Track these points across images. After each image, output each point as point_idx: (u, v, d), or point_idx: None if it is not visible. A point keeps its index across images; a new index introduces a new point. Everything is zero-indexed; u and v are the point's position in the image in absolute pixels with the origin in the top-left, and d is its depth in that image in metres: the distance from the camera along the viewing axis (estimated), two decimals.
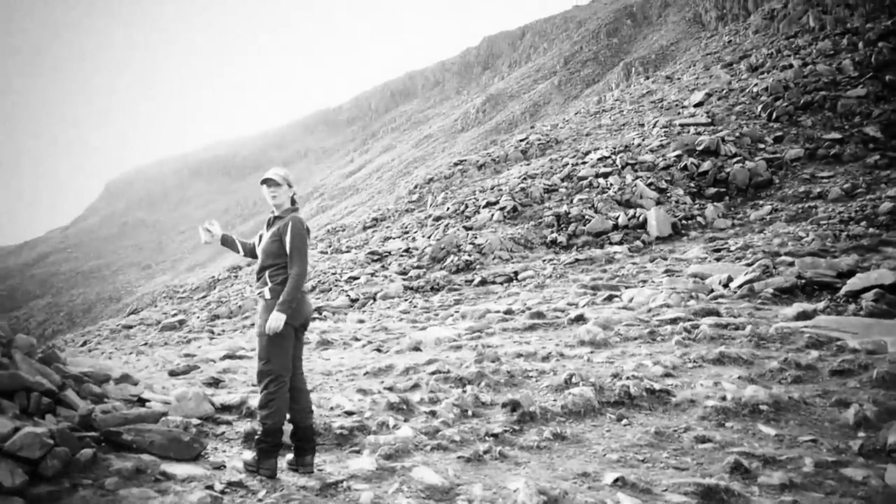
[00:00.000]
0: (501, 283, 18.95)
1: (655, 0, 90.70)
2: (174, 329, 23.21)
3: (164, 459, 4.42)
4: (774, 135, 26.87)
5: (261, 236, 4.69)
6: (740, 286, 12.19)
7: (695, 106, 34.24)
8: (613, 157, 28.95)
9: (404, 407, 5.97)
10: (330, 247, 32.81)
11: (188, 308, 29.86)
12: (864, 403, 5.30)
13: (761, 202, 22.46)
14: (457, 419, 5.71)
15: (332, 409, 5.98)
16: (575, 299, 13.46)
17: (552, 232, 23.60)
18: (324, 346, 11.12)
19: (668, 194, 24.49)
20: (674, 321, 9.54)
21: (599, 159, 29.28)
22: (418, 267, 22.97)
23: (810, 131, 26.12)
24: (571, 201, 25.70)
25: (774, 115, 28.34)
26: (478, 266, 21.50)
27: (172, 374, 8.32)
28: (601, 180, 26.81)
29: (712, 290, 12.51)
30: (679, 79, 47.55)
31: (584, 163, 29.92)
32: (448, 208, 30.52)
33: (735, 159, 25.12)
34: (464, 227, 26.30)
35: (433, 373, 7.34)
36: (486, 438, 5.20)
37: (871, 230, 16.85)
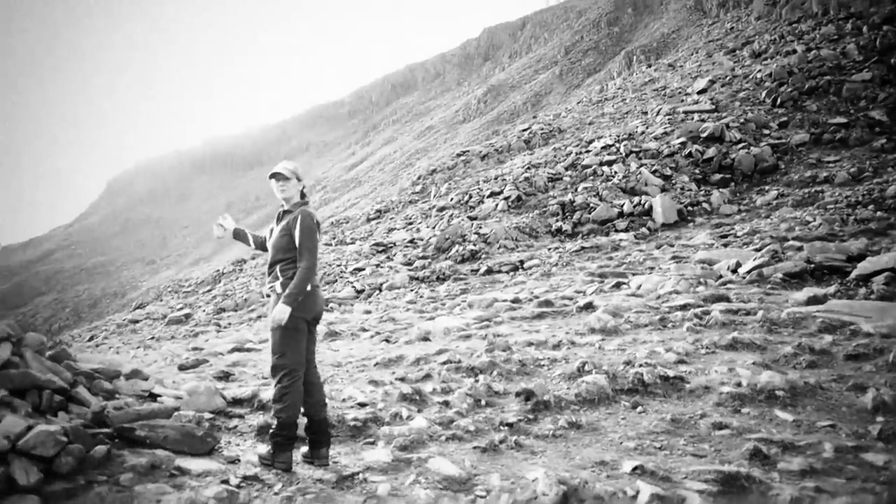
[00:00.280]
0: (507, 272, 18.91)
1: None
2: (180, 323, 23.23)
3: (178, 454, 4.39)
4: (779, 120, 26.74)
5: (272, 230, 4.65)
6: (749, 271, 12.12)
7: (698, 93, 34.08)
8: (617, 145, 28.84)
9: (417, 398, 5.94)
10: (334, 239, 32.79)
11: (194, 302, 29.89)
12: (880, 388, 5.25)
13: (767, 187, 22.37)
14: (470, 409, 5.67)
15: (344, 400, 5.95)
16: (582, 287, 13.41)
17: (557, 220, 23.53)
18: (332, 337, 11.09)
19: (673, 181, 24.40)
20: (684, 307, 9.49)
21: (603, 147, 29.18)
22: (423, 257, 22.94)
23: (815, 116, 25.99)
24: (576, 190, 25.62)
25: (779, 100, 28.19)
26: (483, 255, 21.47)
27: (182, 368, 8.29)
28: (605, 168, 26.72)
29: (721, 276, 12.45)
30: (681, 66, 47.34)
31: (587, 151, 29.82)
32: (452, 199, 30.47)
33: (740, 145, 25.00)
34: (468, 217, 26.25)
35: (444, 363, 7.30)
36: (501, 428, 5.16)
37: (878, 214, 16.75)
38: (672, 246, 18.02)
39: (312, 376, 4.56)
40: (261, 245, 4.80)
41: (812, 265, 11.60)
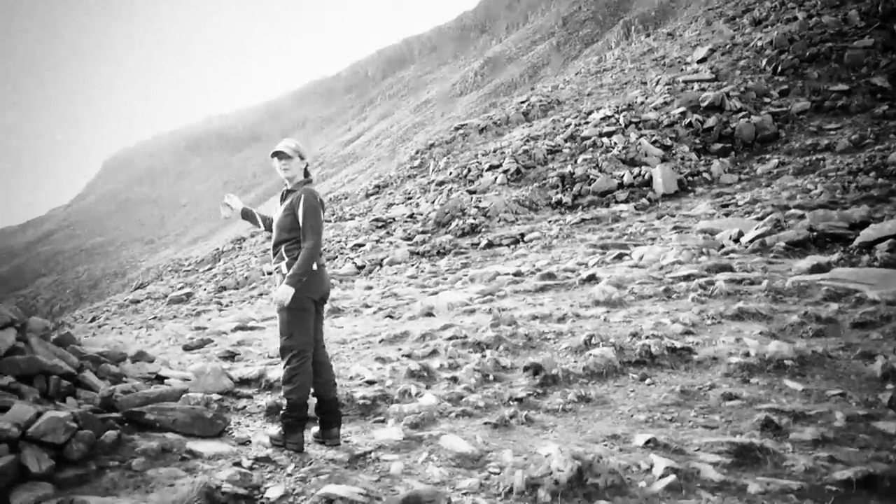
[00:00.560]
0: (508, 246, 18.88)
1: None
2: (182, 302, 23.25)
3: (188, 437, 4.38)
4: (780, 88, 26.50)
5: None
6: (751, 241, 12.09)
7: (698, 62, 33.76)
8: (616, 115, 28.64)
9: (425, 374, 5.93)
10: (333, 215, 32.71)
11: (194, 281, 29.91)
12: (888, 355, 5.24)
13: (768, 156, 22.24)
14: (479, 384, 5.67)
15: (351, 378, 5.94)
16: (584, 259, 13.39)
17: (557, 193, 23.45)
18: (335, 313, 11.09)
19: (673, 151, 24.26)
20: (687, 278, 9.46)
21: (602, 119, 28.97)
22: (423, 232, 22.90)
23: (816, 83, 25.75)
24: (575, 161, 25.48)
25: (780, 68, 27.92)
26: (483, 229, 21.42)
27: (187, 348, 8.28)
28: (605, 139, 26.55)
29: (723, 246, 12.41)
30: (681, 35, 46.86)
31: (586, 123, 29.62)
32: (451, 173, 30.34)
33: (740, 114, 24.81)
34: (467, 190, 26.14)
35: (450, 338, 7.28)
36: (511, 403, 5.15)
37: (880, 180, 16.65)
38: (673, 216, 17.96)
39: (321, 356, 4.53)
40: (269, 226, 4.72)
41: (815, 233, 11.55)
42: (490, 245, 19.23)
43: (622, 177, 22.67)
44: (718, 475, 3.56)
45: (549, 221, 20.70)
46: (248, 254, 32.00)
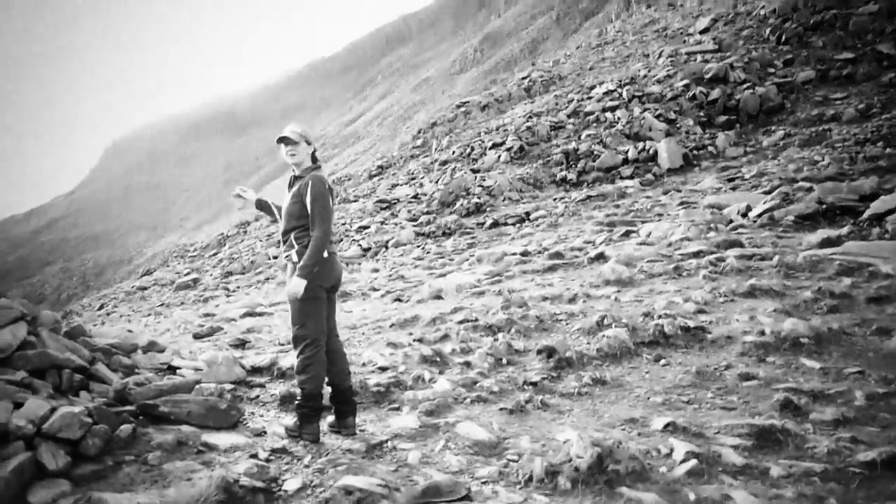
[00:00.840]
0: (514, 224, 18.80)
1: None
2: (189, 288, 23.30)
3: (203, 429, 4.36)
4: (784, 58, 26.22)
5: None
6: (760, 215, 12.00)
7: (700, 32, 33.39)
8: (619, 90, 28.38)
9: (438, 359, 5.89)
10: (337, 197, 32.60)
11: (200, 266, 29.95)
12: None
13: (773, 128, 22.04)
14: (492, 369, 5.64)
15: (364, 364, 5.91)
16: (591, 237, 13.31)
17: (561, 170, 23.31)
18: (343, 297, 11.07)
19: (678, 125, 24.06)
20: (697, 255, 9.40)
21: (605, 93, 28.72)
22: (428, 212, 22.80)
23: (821, 52, 25.45)
24: (579, 137, 25.29)
25: (784, 37, 27.59)
26: (488, 208, 21.33)
27: (197, 336, 8.27)
28: (608, 114, 26.34)
29: (731, 221, 12.33)
30: (682, 5, 46.32)
31: (589, 98, 29.36)
32: (453, 152, 30.17)
33: (745, 85, 24.57)
34: (471, 169, 26.00)
35: (461, 321, 7.24)
36: (525, 387, 5.11)
37: (888, 150, 16.49)
38: (679, 191, 17.84)
39: (335, 344, 4.48)
40: None
41: (824, 206, 11.45)
42: (496, 224, 19.15)
43: (627, 152, 22.50)
44: (740, 459, 3.53)
45: (555, 199, 20.60)
46: (254, 238, 31.99)
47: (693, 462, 3.47)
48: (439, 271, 12.94)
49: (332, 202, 4.33)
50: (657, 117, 24.60)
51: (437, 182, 26.54)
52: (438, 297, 9.53)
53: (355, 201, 29.61)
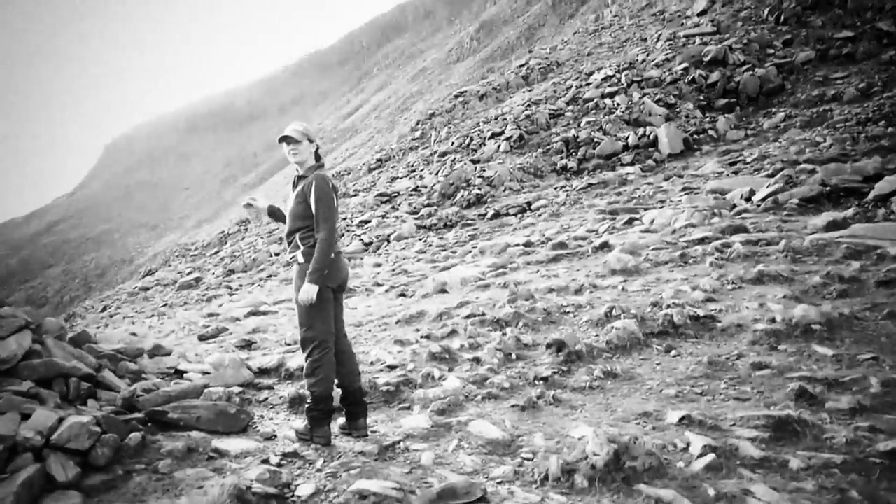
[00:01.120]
0: (515, 215, 18.74)
1: None
2: (191, 287, 23.26)
3: (213, 434, 4.33)
4: (783, 38, 26.04)
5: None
6: (764, 199, 11.93)
7: (698, 15, 33.18)
8: (618, 75, 28.24)
9: (446, 356, 5.85)
10: (337, 191, 32.52)
11: (202, 265, 29.92)
12: None
13: (774, 110, 21.92)
14: (502, 364, 5.59)
15: (372, 363, 5.87)
16: (594, 226, 13.26)
17: (562, 158, 23.22)
18: (346, 293, 10.99)
19: (678, 109, 23.95)
20: (702, 241, 9.35)
21: (604, 79, 28.58)
22: (429, 205, 22.74)
23: (821, 31, 25.27)
24: (579, 125, 25.19)
25: (782, 17, 27.41)
26: (489, 199, 21.26)
27: (202, 338, 8.24)
28: (607, 100, 26.22)
29: (735, 206, 12.26)
30: None
31: (588, 84, 29.23)
32: (453, 143, 30.05)
33: (744, 67, 24.44)
34: (471, 160, 25.91)
35: (468, 316, 7.20)
36: (536, 383, 5.07)
37: (890, 129, 16.40)
38: (681, 177, 17.76)
39: (343, 345, 4.42)
40: None
41: (827, 188, 11.39)
42: (497, 215, 19.09)
43: (627, 138, 22.40)
44: (758, 451, 3.48)
45: (556, 188, 20.52)
46: (255, 235, 31.91)
47: (711, 456, 3.42)
48: (442, 264, 12.90)
49: (336, 202, 4.27)
50: (657, 102, 24.49)
51: (437, 174, 26.45)
52: (443, 292, 9.49)
53: (355, 195, 29.54)
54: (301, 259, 4.23)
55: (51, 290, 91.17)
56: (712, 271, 7.58)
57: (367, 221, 23.17)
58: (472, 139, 28.83)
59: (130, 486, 3.58)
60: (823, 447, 3.48)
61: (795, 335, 5.22)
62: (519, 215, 18.52)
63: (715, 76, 24.66)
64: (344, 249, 19.63)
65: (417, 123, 41.80)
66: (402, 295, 10.22)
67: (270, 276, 19.71)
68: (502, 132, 27.32)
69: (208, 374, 5.69)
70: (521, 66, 42.58)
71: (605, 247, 10.39)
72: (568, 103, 27.92)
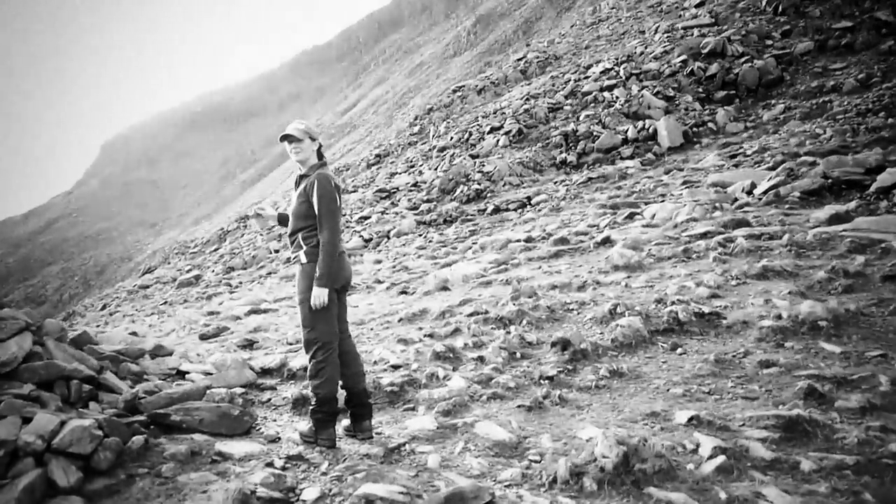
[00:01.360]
0: (515, 210, 18.68)
1: None
2: (191, 285, 23.19)
3: (216, 437, 4.29)
4: (782, 29, 25.93)
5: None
6: (765, 192, 11.88)
7: (696, 6, 33.03)
8: (616, 68, 28.14)
9: (450, 355, 5.80)
10: (340, 190, 32.44)
11: (202, 262, 29.85)
12: None
13: (773, 101, 21.84)
14: (506, 363, 5.54)
15: (376, 363, 5.83)
16: (595, 220, 13.20)
17: (561, 152, 23.14)
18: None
19: (677, 102, 23.86)
20: (704, 235, 9.30)
21: (602, 72, 28.47)
22: (428, 200, 22.66)
23: (819, 22, 25.16)
24: (578, 118, 25.11)
25: (780, 7, 27.29)
26: (489, 194, 21.19)
27: (203, 337, 8.19)
28: (606, 94, 26.13)
29: (736, 199, 12.21)
30: None
31: (586, 77, 29.13)
32: (451, 138, 29.96)
33: (743, 59, 24.33)
34: (470, 155, 25.83)
35: (471, 314, 7.15)
36: (542, 382, 5.02)
37: (890, 120, 16.34)
38: (681, 170, 17.69)
39: (347, 345, 4.37)
40: None
41: (829, 181, 11.34)
42: (497, 210, 19.03)
43: (626, 132, 22.32)
44: (768, 453, 3.43)
45: (555, 182, 20.46)
46: (254, 232, 31.84)
47: (721, 458, 3.37)
48: (443, 261, 12.85)
49: (339, 200, 4.22)
50: (656, 94, 24.41)
51: (436, 169, 26.36)
52: (445, 289, 9.44)
53: (354, 191, 29.46)
54: (304, 259, 4.19)
55: (50, 288, 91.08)
56: (716, 266, 7.53)
57: (366, 217, 23.10)
58: (470, 134, 28.74)
59: (133, 490, 3.54)
60: (835, 448, 3.44)
61: (802, 332, 5.17)
62: (519, 210, 18.46)
63: (714, 68, 24.55)
64: (344, 246, 19.57)
65: (416, 119, 41.71)
66: (404, 292, 10.18)
67: (270, 273, 19.65)
68: (501, 127, 27.23)
69: (210, 374, 5.65)
70: (519, 59, 42.46)
71: (606, 242, 10.34)
72: (566, 97, 27.81)
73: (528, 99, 29.55)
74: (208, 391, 5.00)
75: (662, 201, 13.67)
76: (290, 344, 6.97)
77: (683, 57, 26.18)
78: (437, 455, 3.90)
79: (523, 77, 38.26)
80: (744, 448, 3.48)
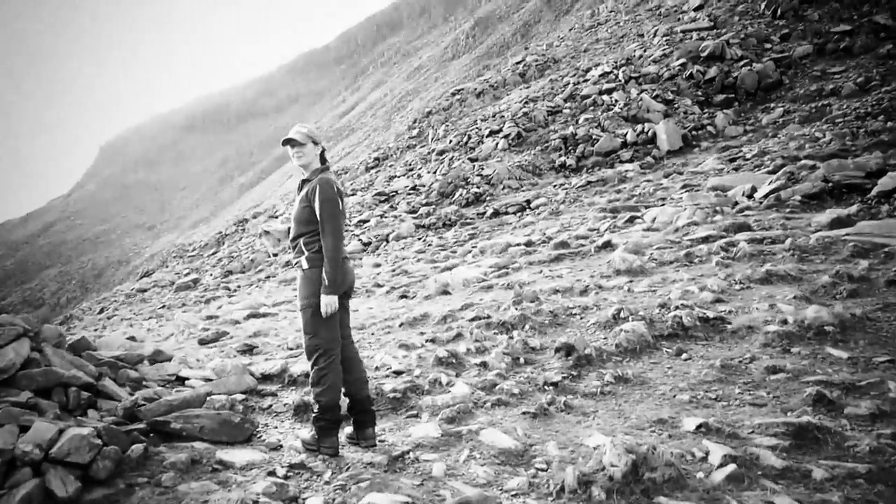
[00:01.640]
0: (515, 213, 18.63)
1: None
2: (189, 289, 23.14)
3: (216, 445, 4.22)
4: (781, 33, 25.96)
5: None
6: (766, 196, 11.85)
7: (695, 10, 33.09)
8: (615, 71, 28.14)
9: (453, 361, 5.73)
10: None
11: (200, 266, 29.78)
12: None
13: (772, 105, 21.84)
14: (510, 369, 5.48)
15: (377, 368, 5.77)
16: (595, 224, 13.16)
17: (560, 155, 23.11)
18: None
19: (676, 105, 23.85)
20: (706, 240, 9.25)
21: (601, 75, 28.48)
22: (427, 204, 22.62)
23: (818, 25, 25.19)
24: (577, 122, 25.09)
25: (779, 11, 27.33)
26: (488, 198, 21.15)
27: (202, 342, 8.13)
28: (605, 97, 26.12)
29: (736, 203, 12.18)
30: None
31: (585, 80, 29.13)
32: (450, 141, 29.93)
33: (742, 62, 24.34)
34: (469, 158, 25.79)
35: (473, 319, 7.09)
36: (546, 388, 4.96)
37: (889, 124, 16.33)
38: (681, 174, 17.66)
39: (350, 351, 4.31)
40: None
41: (830, 184, 11.30)
42: (496, 214, 18.98)
43: (625, 135, 22.29)
44: (779, 461, 3.37)
45: (555, 186, 20.42)
46: (252, 236, 31.77)
47: (731, 467, 3.31)
48: (443, 264, 12.78)
49: (342, 205, 4.16)
50: (655, 98, 24.40)
51: (435, 172, 26.33)
52: (445, 293, 9.39)
53: (353, 195, 29.41)
54: (305, 265, 4.13)
55: (47, 291, 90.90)
56: (719, 271, 7.48)
57: (365, 221, 23.04)
58: (469, 137, 28.71)
59: (133, 500, 3.47)
60: (846, 456, 3.39)
61: (808, 337, 5.12)
62: (518, 214, 18.41)
63: (712, 71, 24.56)
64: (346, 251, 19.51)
65: (414, 122, 41.68)
66: (404, 296, 10.12)
67: (269, 276, 19.59)
68: (500, 130, 27.21)
69: (210, 380, 5.59)
70: (518, 63, 42.46)
71: (607, 246, 10.29)
72: (566, 100, 27.81)
73: (526, 102, 29.54)
74: (208, 398, 4.94)
75: (662, 205, 13.62)
76: (291, 349, 6.90)
77: (682, 60, 26.19)
78: (442, 463, 3.84)
79: (522, 80, 38.25)
80: (754, 456, 3.43)
